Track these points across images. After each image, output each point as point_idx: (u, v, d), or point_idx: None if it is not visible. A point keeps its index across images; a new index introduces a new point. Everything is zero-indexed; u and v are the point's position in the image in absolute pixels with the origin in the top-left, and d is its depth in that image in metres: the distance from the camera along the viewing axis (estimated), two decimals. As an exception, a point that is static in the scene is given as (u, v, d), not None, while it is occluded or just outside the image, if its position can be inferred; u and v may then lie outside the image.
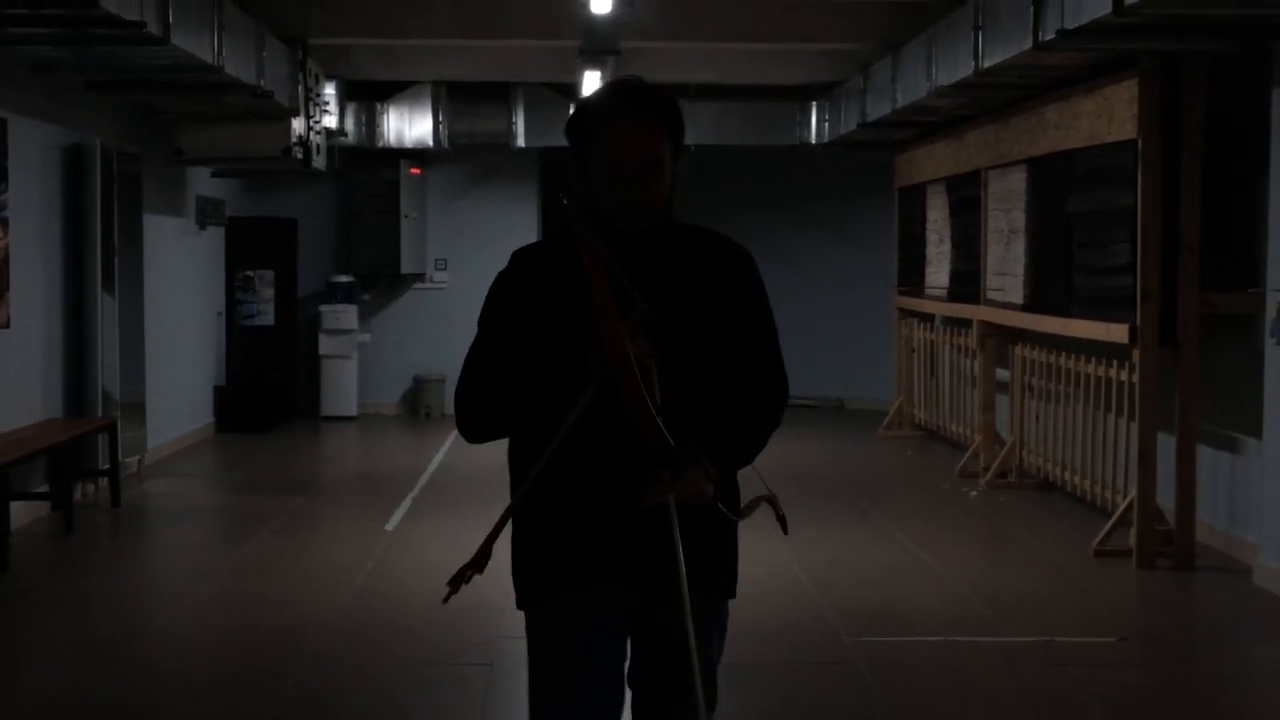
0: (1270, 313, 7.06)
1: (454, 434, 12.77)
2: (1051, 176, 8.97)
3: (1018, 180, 9.63)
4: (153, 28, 6.98)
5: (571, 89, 12.91)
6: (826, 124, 13.41)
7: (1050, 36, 7.02)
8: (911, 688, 5.72)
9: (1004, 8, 7.80)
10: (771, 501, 3.05)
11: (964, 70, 8.57)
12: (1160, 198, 7.54)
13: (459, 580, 2.87)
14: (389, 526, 8.75)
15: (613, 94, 2.98)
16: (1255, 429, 7.38)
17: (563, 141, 2.99)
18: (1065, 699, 5.58)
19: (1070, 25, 6.78)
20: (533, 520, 2.98)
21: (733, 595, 3.11)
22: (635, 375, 2.74)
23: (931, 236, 12.06)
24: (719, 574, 3.05)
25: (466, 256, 14.62)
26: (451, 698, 5.55)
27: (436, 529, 8.59)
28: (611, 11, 8.96)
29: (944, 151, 11.49)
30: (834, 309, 15.13)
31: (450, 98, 13.67)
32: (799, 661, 5.96)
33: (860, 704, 5.51)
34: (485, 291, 3.01)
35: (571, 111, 3.06)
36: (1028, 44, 7.36)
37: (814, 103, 13.65)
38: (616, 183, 2.91)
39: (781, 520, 3.08)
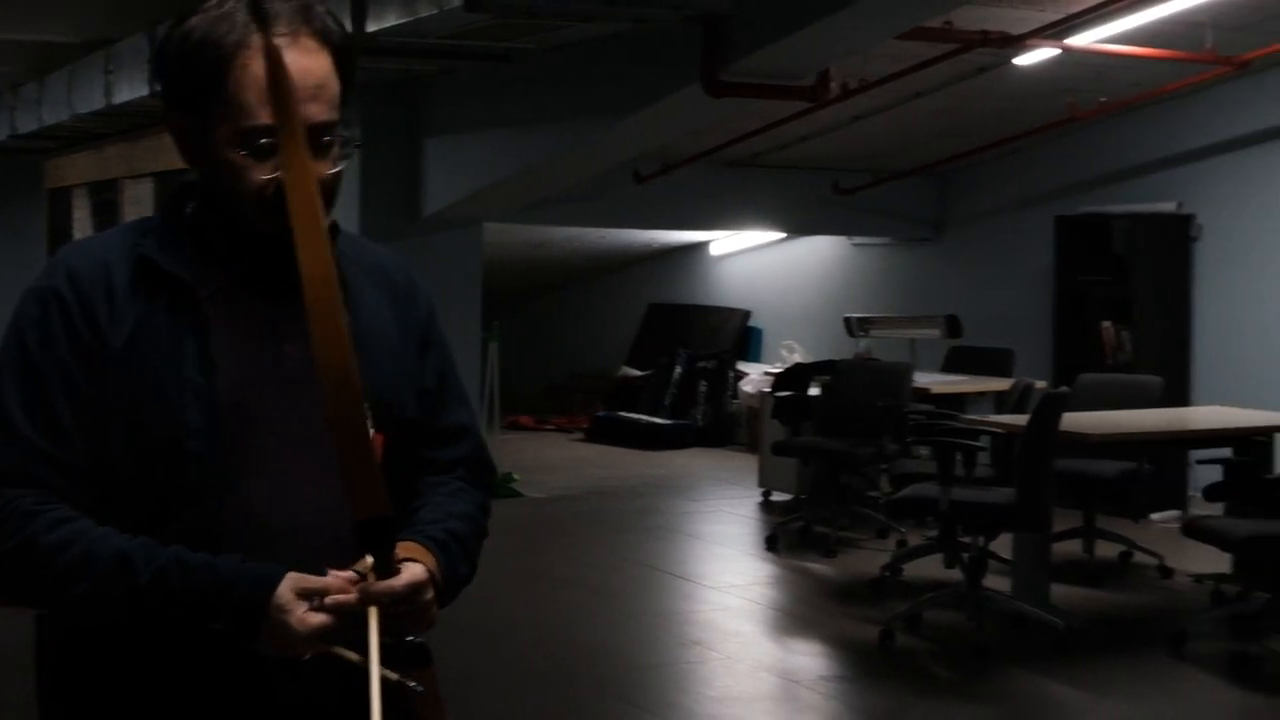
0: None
1: None
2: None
3: (147, 190, 11.86)
4: None
5: None
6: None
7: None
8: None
9: (128, 59, 9.97)
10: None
11: (99, 103, 10.62)
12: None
13: None
14: None
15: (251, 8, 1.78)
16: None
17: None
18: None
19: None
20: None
21: None
22: (357, 398, 1.65)
23: (78, 234, 13.98)
24: None
25: None
26: None
27: None
28: None
29: (87, 161, 13.45)
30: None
31: None
32: None
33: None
34: None
35: (168, 47, 1.81)
36: (146, 91, 9.59)
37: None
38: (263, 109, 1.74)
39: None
